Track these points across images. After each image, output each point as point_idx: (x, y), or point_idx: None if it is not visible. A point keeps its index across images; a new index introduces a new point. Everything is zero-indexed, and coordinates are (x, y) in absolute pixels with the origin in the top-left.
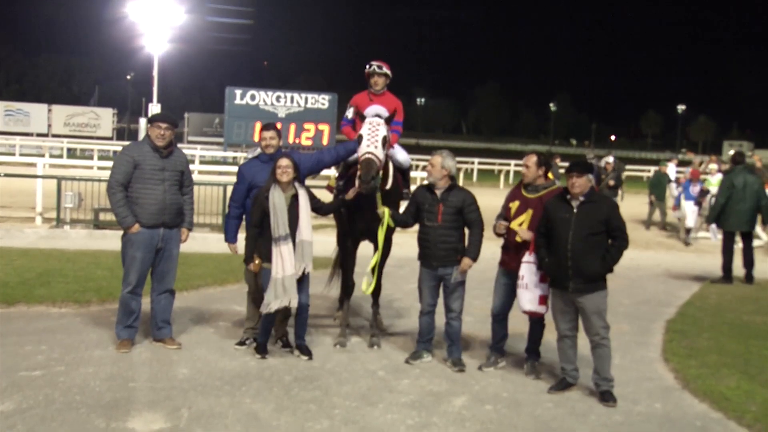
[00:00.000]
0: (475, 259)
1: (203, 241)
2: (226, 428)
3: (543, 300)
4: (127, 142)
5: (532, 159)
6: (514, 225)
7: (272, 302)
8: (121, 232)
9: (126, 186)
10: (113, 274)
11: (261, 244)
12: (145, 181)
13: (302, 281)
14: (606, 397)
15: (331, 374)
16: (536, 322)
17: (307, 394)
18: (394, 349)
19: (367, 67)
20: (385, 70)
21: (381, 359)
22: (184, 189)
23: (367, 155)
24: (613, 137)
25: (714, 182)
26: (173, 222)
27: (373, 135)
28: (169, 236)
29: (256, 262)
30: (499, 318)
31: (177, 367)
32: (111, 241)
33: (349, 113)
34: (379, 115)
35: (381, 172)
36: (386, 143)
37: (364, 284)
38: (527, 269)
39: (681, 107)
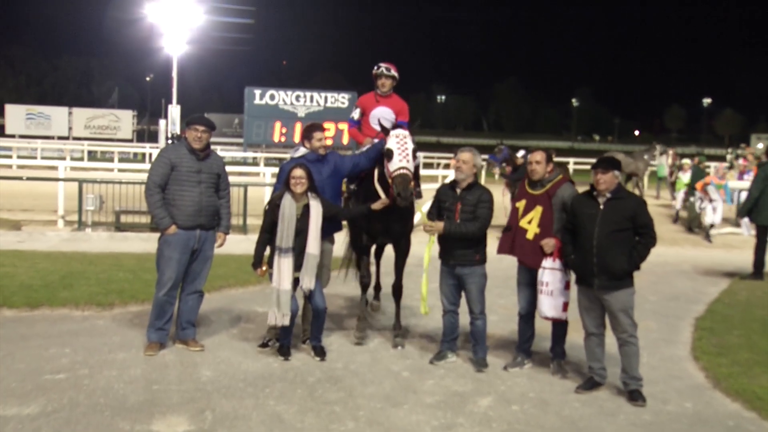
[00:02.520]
0: (447, 229)
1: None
2: (250, 430)
3: (566, 307)
4: (147, 144)
5: (541, 155)
6: (523, 223)
7: (275, 314)
8: (142, 234)
9: (163, 187)
10: (135, 276)
11: (272, 250)
12: (181, 183)
13: (314, 287)
14: (635, 396)
15: (354, 375)
16: (560, 322)
17: (331, 395)
18: (418, 350)
19: (375, 68)
20: (393, 72)
21: (405, 360)
22: (220, 192)
23: (401, 171)
24: (636, 132)
25: (685, 180)
26: (210, 224)
27: (403, 149)
28: (206, 238)
29: (264, 268)
30: (527, 317)
31: (200, 369)
32: (132, 243)
33: (355, 114)
34: (399, 126)
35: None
36: (415, 154)
37: (422, 307)
38: (551, 276)
39: (706, 100)
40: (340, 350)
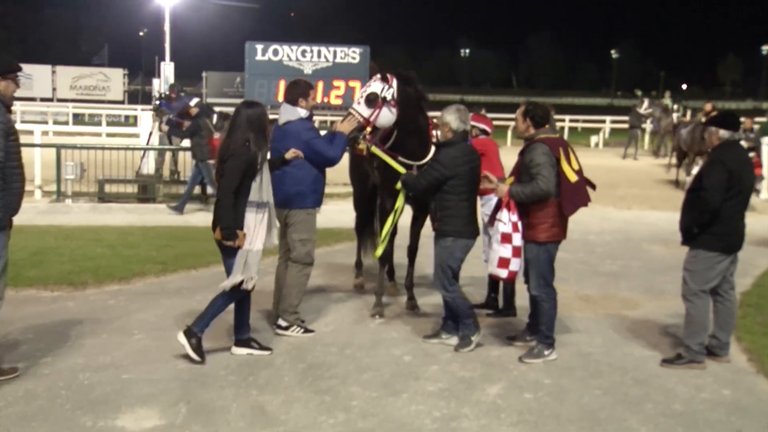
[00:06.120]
0: (405, 181)
1: None
2: (228, 425)
3: (503, 263)
4: (138, 106)
5: (520, 110)
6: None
7: (235, 277)
8: (128, 205)
9: None
10: (114, 252)
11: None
12: (14, 157)
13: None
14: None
15: (351, 360)
16: (537, 299)
17: (322, 383)
18: (424, 332)
19: None
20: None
21: (408, 343)
22: None
23: (349, 109)
24: (684, 86)
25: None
26: None
27: (363, 91)
28: None
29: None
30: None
31: (178, 356)
32: (116, 215)
33: None
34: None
35: (368, 129)
36: (376, 99)
37: (378, 249)
38: (495, 227)
39: (765, 48)
40: (337, 332)
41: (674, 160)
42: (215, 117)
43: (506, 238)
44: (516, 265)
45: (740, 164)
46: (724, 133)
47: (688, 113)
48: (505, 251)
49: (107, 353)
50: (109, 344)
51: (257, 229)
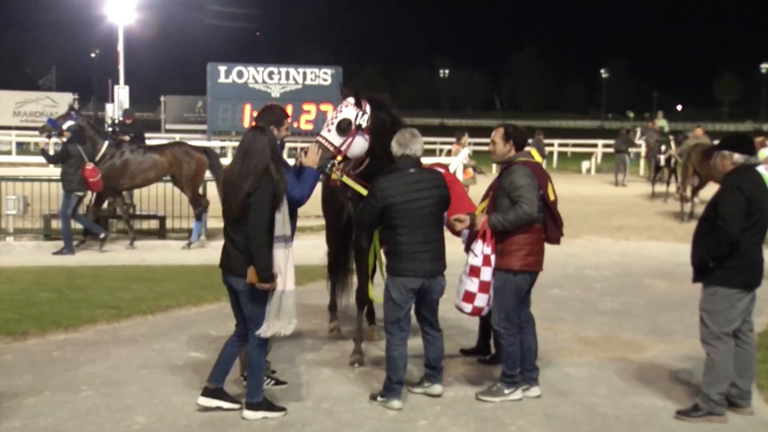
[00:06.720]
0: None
1: (179, 251)
2: None
3: (468, 297)
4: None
5: (499, 133)
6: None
7: (272, 324)
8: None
9: None
10: (61, 296)
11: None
12: None
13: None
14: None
15: (328, 416)
16: (497, 334)
17: None
18: (408, 382)
19: None
20: None
21: None
22: None
23: (317, 138)
24: (679, 107)
25: None
26: None
27: (332, 117)
28: None
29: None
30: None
31: (131, 415)
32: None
33: None
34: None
35: (339, 158)
36: (348, 127)
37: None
38: (467, 259)
39: (765, 66)
40: (312, 384)
41: (672, 188)
42: (105, 144)
43: (474, 272)
44: (482, 300)
45: (759, 190)
46: (738, 158)
47: (673, 145)
48: (472, 285)
49: (49, 414)
50: (52, 403)
51: (287, 266)
